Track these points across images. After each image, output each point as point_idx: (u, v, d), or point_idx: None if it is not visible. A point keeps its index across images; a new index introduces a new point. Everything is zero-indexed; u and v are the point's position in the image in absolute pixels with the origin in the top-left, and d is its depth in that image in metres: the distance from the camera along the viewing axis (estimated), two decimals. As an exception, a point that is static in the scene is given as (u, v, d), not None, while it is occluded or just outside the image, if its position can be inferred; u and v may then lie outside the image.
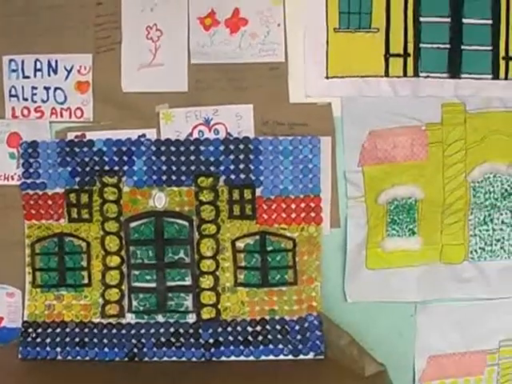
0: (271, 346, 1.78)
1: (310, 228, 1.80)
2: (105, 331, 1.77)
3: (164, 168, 1.80)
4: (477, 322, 1.90)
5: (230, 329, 1.78)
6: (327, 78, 1.82)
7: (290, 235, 1.80)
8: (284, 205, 1.80)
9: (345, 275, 1.86)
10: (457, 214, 1.88)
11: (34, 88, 1.80)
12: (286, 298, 1.80)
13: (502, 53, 1.86)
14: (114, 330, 1.78)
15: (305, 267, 1.81)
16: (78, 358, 1.77)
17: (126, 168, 1.79)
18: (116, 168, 1.79)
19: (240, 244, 1.80)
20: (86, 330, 1.77)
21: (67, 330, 1.78)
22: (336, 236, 1.85)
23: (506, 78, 1.86)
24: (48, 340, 1.78)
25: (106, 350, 1.78)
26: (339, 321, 1.81)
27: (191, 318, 1.79)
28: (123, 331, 1.77)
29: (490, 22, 1.85)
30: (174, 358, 1.78)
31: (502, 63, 1.86)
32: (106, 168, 1.80)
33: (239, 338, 1.78)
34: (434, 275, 1.89)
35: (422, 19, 1.81)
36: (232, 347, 1.78)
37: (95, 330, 1.78)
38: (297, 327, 1.78)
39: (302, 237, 1.80)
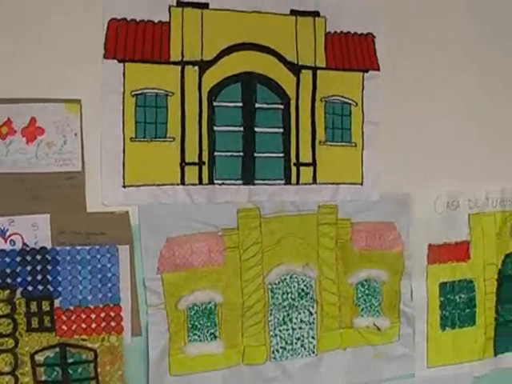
0: None
1: (111, 338, 2.01)
2: None
3: (-42, 282, 1.93)
4: (282, 420, 2.17)
5: None
6: (124, 186, 2.02)
7: (91, 346, 2.00)
8: (84, 315, 2.00)
9: (149, 383, 2.04)
10: (257, 315, 2.15)
11: None
12: (90, 412, 1.97)
13: (293, 159, 2.17)
14: None
15: (107, 378, 2.00)
16: None
17: None
18: None
19: (40, 357, 1.97)
20: None
21: None
22: (138, 344, 2.04)
23: (297, 183, 2.18)
24: None
25: None
26: (145, 430, 1.95)
27: None
28: None
29: (281, 130, 2.16)
30: None
31: (294, 169, 2.17)
32: None
33: None
34: (237, 377, 2.13)
35: (215, 128, 2.09)
36: None
37: None
38: None
39: (104, 347, 2.01)
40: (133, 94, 2.02)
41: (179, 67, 2.06)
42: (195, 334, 2.10)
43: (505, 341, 2.55)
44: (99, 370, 2.01)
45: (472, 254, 2.44)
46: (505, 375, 2.56)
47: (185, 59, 2.06)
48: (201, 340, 2.10)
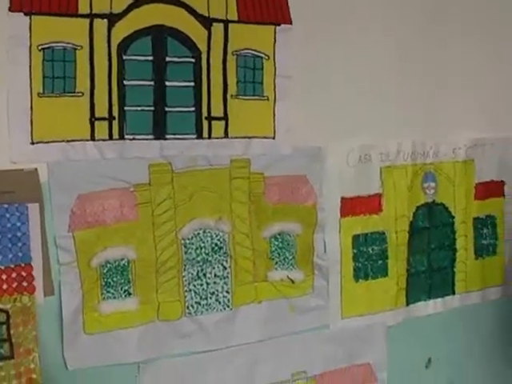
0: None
1: (23, 298, 2.05)
2: None
3: None
4: (199, 375, 2.28)
5: None
6: (32, 143, 2.04)
7: (3, 307, 2.03)
8: (-6, 276, 2.03)
9: (63, 343, 2.11)
10: (171, 271, 2.23)
11: None
12: (4, 374, 2.01)
13: (205, 113, 2.24)
14: None
15: (21, 339, 2.05)
16: None
17: None
18: None
19: (-51, 320, 2.00)
20: None
21: None
22: (51, 304, 2.09)
23: (209, 137, 2.25)
24: None
25: None
26: (63, 390, 2.00)
27: None
28: None
29: (192, 84, 2.21)
30: None
31: (205, 123, 2.24)
32: None
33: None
34: (153, 334, 2.21)
35: (126, 82, 2.12)
36: None
37: None
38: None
39: (16, 308, 2.05)
40: (40, 48, 2.03)
41: (88, 20, 2.08)
42: (109, 292, 2.15)
43: (416, 291, 2.72)
44: (12, 331, 2.05)
45: (384, 206, 2.56)
46: (416, 324, 2.74)
47: (93, 12, 2.08)
48: (115, 297, 2.16)
